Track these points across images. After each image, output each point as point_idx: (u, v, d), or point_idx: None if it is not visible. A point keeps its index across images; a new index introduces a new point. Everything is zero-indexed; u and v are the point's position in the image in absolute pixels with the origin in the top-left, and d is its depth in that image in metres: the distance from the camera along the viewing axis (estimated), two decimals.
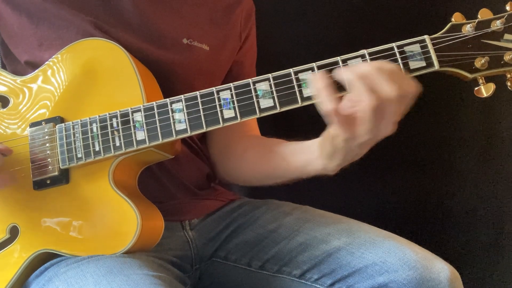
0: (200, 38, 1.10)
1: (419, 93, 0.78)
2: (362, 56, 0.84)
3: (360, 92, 0.77)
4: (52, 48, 1.00)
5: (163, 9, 1.08)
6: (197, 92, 0.89)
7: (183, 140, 1.12)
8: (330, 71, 0.83)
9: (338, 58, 0.85)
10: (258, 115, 0.87)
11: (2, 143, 0.94)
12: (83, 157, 0.92)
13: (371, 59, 0.83)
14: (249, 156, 1.13)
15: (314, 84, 0.81)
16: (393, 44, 0.84)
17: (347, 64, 0.84)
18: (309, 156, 0.96)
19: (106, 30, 1.01)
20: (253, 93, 0.87)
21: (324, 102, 0.79)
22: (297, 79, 0.85)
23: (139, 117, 0.91)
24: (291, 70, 0.86)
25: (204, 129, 0.88)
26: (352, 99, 0.78)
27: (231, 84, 0.88)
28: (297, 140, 1.02)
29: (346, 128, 0.80)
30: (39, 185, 0.94)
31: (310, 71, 0.85)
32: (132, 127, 0.91)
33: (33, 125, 0.96)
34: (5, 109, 1.00)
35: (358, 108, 0.78)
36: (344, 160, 0.88)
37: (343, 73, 0.80)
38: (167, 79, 1.04)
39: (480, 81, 0.83)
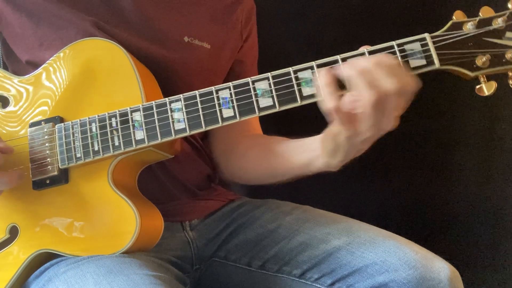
0: (201, 36, 1.10)
1: (419, 90, 0.78)
2: (362, 55, 0.83)
3: (360, 87, 0.77)
4: (52, 48, 1.00)
5: (164, 8, 1.08)
6: (196, 91, 0.89)
7: (185, 139, 1.12)
8: (331, 69, 0.82)
9: (338, 57, 0.84)
10: (257, 114, 0.86)
11: (3, 141, 0.94)
12: (82, 156, 0.92)
13: None
14: (251, 156, 1.13)
15: (316, 81, 0.81)
16: (394, 42, 0.84)
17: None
18: (311, 154, 0.96)
19: (106, 29, 1.01)
20: (252, 92, 0.87)
21: (326, 99, 0.79)
22: (297, 78, 0.85)
23: (138, 116, 0.91)
24: (290, 69, 0.86)
25: (203, 129, 0.88)
26: (353, 96, 0.78)
27: (230, 83, 0.88)
28: (298, 137, 1.02)
29: (348, 125, 0.80)
30: (39, 185, 0.94)
31: (309, 70, 0.85)
32: (131, 127, 0.91)
33: (32, 125, 0.96)
34: (5, 109, 1.00)
35: (359, 104, 0.78)
36: (346, 156, 0.88)
37: (343, 70, 0.80)
38: (168, 77, 1.04)
39: (482, 79, 0.83)
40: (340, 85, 0.81)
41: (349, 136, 0.82)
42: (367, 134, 0.81)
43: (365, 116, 0.78)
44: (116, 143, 0.91)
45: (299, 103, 0.85)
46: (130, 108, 0.91)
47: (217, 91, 0.88)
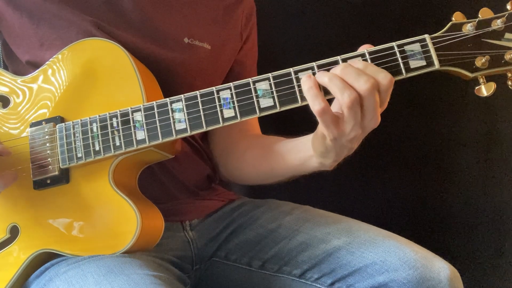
0: (201, 37, 1.10)
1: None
2: (362, 56, 0.84)
3: (334, 92, 0.80)
4: (53, 48, 1.00)
5: (164, 8, 1.08)
6: (197, 91, 0.89)
7: (185, 139, 1.12)
8: (311, 75, 0.84)
9: (338, 58, 0.84)
10: (258, 115, 0.87)
11: (1, 143, 0.94)
12: (83, 156, 0.92)
13: (371, 59, 0.83)
14: (250, 156, 1.13)
15: (302, 85, 0.83)
16: (393, 43, 0.84)
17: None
18: (305, 155, 0.97)
19: (107, 30, 1.01)
20: (253, 93, 0.87)
21: (311, 103, 0.81)
22: (297, 79, 0.85)
23: (139, 116, 0.91)
24: (291, 70, 0.86)
25: (204, 129, 0.88)
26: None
27: (231, 83, 0.88)
28: (296, 136, 1.02)
29: (332, 127, 0.82)
30: (39, 184, 0.94)
31: (310, 71, 0.85)
32: (132, 127, 0.91)
33: (33, 125, 0.96)
34: (5, 109, 1.00)
35: (338, 107, 0.81)
36: (338, 156, 0.90)
37: (317, 78, 0.83)
38: (168, 78, 1.04)
39: (481, 80, 0.83)
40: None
41: (334, 138, 0.84)
42: (352, 134, 0.83)
43: (346, 118, 0.80)
44: (117, 143, 0.91)
45: (299, 103, 0.85)
46: (131, 108, 0.92)
47: (218, 92, 0.88)
